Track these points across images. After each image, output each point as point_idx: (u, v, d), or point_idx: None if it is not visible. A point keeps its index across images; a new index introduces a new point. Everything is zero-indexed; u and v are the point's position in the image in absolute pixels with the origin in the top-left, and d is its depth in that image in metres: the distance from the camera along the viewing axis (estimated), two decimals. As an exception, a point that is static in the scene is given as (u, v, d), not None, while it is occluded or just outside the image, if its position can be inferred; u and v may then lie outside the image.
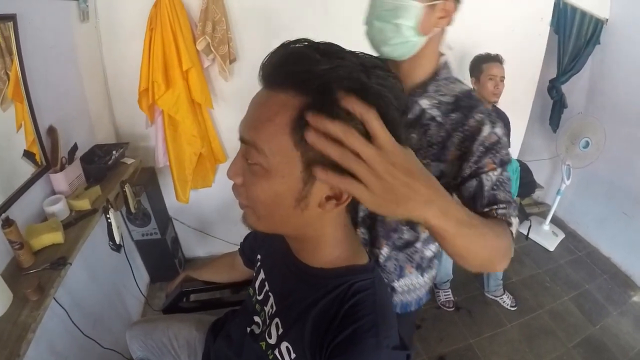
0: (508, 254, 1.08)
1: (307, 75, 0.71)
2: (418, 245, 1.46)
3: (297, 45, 0.74)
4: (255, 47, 2.75)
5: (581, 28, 3.53)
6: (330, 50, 0.73)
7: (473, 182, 1.21)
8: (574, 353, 2.91)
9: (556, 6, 3.32)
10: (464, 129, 1.22)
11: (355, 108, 0.67)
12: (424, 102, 1.27)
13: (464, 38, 2.98)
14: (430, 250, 1.51)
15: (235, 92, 2.88)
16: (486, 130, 1.20)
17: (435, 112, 1.26)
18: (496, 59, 2.86)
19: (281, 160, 0.75)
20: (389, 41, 1.21)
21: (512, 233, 1.14)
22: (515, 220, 1.19)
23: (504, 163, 1.21)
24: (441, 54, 1.34)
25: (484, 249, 0.97)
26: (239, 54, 2.76)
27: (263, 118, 0.75)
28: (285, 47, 0.75)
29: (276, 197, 0.79)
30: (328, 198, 0.80)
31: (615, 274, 3.70)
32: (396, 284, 1.52)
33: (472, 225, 0.88)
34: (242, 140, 0.79)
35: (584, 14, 3.48)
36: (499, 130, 1.22)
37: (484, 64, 2.86)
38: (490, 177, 1.19)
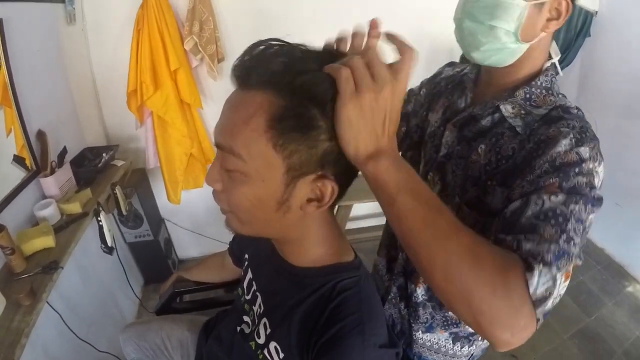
0: (500, 316, 0.69)
1: (286, 75, 0.70)
2: None
3: (272, 43, 0.74)
4: (243, 45, 2.63)
5: (571, 20, 3.52)
6: (303, 50, 0.74)
7: (516, 203, 0.86)
8: (570, 344, 2.93)
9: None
10: (539, 138, 0.93)
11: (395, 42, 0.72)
12: (507, 108, 1.03)
13: (454, 36, 2.99)
14: None
15: (224, 92, 2.74)
16: (564, 144, 0.87)
17: (517, 122, 1.00)
18: None
19: (261, 164, 0.73)
20: (480, 46, 1.01)
21: (527, 289, 0.71)
22: (543, 273, 0.73)
23: (577, 193, 0.81)
24: (548, 58, 1.08)
25: (450, 264, 0.70)
26: (227, 53, 2.75)
27: (238, 121, 0.73)
28: (258, 46, 0.74)
29: (257, 202, 0.78)
30: (310, 200, 0.80)
31: (609, 265, 3.70)
32: (419, 335, 1.35)
33: (438, 210, 0.73)
34: (218, 146, 0.78)
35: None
36: (585, 151, 0.86)
37: None
38: (543, 201, 0.81)
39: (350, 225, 3.64)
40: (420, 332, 1.34)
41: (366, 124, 0.69)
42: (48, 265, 1.70)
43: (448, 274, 0.70)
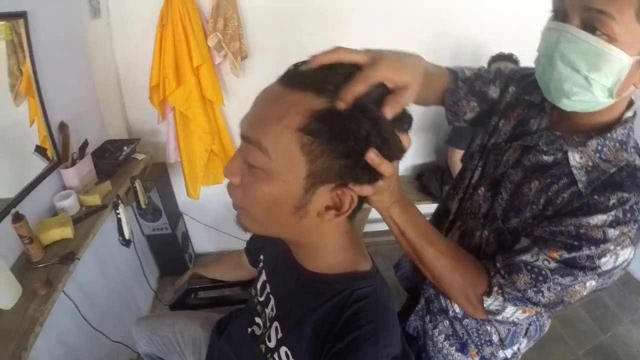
0: (460, 292, 1.08)
1: (332, 79, 0.70)
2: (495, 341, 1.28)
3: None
4: (267, 43, 2.75)
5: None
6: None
7: (525, 242, 1.00)
8: (584, 361, 2.88)
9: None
10: (589, 202, 0.91)
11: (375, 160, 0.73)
12: (575, 157, 0.97)
13: (478, 39, 2.96)
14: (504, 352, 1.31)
15: (246, 89, 2.84)
16: (599, 219, 0.88)
17: (581, 177, 0.95)
18: (507, 58, 2.78)
19: (284, 165, 0.72)
20: (571, 96, 0.92)
21: (483, 303, 1.04)
22: (498, 301, 1.02)
23: (571, 266, 0.91)
24: (629, 104, 0.99)
25: (431, 261, 1.07)
26: (251, 51, 2.75)
27: (272, 116, 0.71)
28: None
29: (275, 202, 0.77)
30: (328, 208, 0.79)
31: (628, 281, 3.62)
32: (452, 350, 1.34)
33: (431, 239, 1.06)
34: (245, 138, 0.76)
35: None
36: (613, 233, 0.87)
37: (493, 64, 2.81)
38: (538, 258, 0.95)
39: (367, 228, 3.63)
40: (454, 348, 1.33)
41: (386, 197, 0.94)
42: (65, 256, 1.71)
43: (434, 279, 1.10)
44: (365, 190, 0.79)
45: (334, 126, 0.69)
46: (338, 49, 0.73)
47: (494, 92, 1.28)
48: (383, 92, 0.73)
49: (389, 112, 0.70)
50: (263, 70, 2.78)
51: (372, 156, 0.71)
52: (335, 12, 2.73)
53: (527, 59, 2.75)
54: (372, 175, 0.76)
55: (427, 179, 3.26)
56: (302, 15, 2.71)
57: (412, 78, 0.75)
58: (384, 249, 3.48)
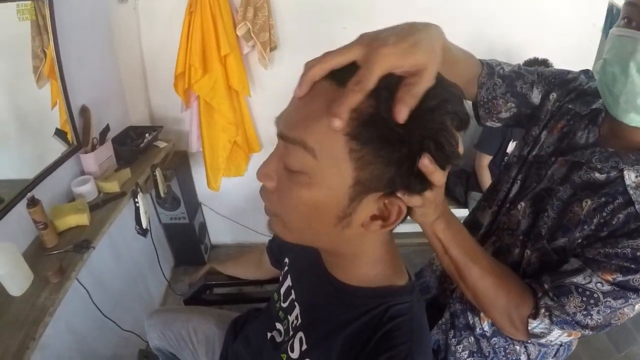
0: (502, 313, 1.00)
1: (386, 80, 0.60)
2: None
3: None
4: (297, 36, 2.70)
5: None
6: None
7: (576, 263, 0.93)
8: (596, 379, 2.78)
9: (609, 12, 3.16)
10: None
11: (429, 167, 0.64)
12: (631, 176, 0.92)
13: (512, 42, 2.89)
14: None
15: (274, 81, 2.83)
16: None
17: (638, 197, 0.90)
18: (542, 64, 2.72)
19: (330, 169, 0.64)
20: None
21: (527, 324, 0.96)
22: (544, 324, 0.94)
23: (625, 288, 0.86)
24: None
25: (476, 281, 0.99)
26: (280, 42, 2.70)
27: (318, 112, 0.62)
28: None
29: (315, 211, 0.69)
30: (373, 218, 0.71)
31: (647, 301, 3.48)
32: None
33: (475, 258, 0.99)
34: (285, 137, 0.67)
35: (639, 20, 3.31)
36: None
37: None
38: (591, 280, 0.89)
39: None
40: None
41: (431, 211, 0.84)
42: (80, 243, 1.69)
43: (475, 299, 1.03)
44: (415, 201, 0.69)
45: (383, 131, 0.60)
46: (326, 56, 0.62)
47: (535, 96, 1.20)
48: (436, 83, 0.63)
49: (403, 111, 0.57)
50: (291, 63, 2.73)
51: (427, 162, 0.61)
52: (369, 6, 2.68)
53: (558, 65, 2.71)
54: (423, 184, 0.67)
55: (452, 183, 3.20)
56: (334, 8, 2.65)
57: (426, 57, 0.61)
58: (404, 251, 3.41)
